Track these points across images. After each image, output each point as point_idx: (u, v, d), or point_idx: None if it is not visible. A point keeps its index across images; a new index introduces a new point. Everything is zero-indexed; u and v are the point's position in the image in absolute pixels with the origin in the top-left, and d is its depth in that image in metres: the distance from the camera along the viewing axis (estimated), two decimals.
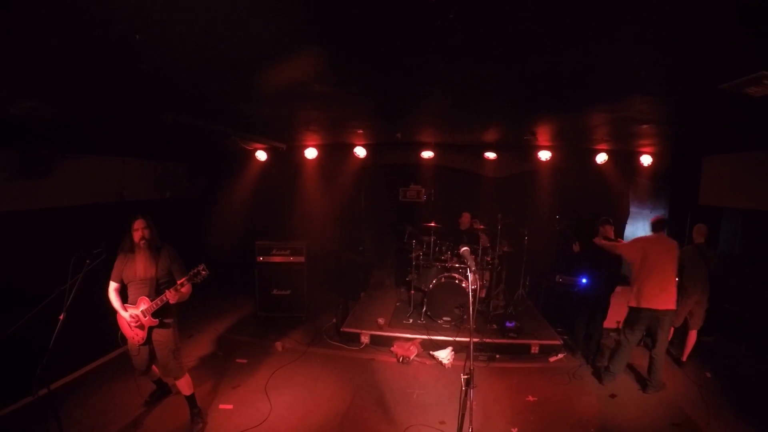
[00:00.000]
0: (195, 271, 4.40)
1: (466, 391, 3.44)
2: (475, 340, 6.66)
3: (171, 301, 4.41)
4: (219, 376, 6.05)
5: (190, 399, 4.89)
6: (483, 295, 7.91)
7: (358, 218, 9.53)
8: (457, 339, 6.77)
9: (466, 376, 3.44)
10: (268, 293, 8.03)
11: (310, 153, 8.32)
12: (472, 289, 3.54)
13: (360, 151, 8.15)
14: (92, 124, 5.28)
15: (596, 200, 8.26)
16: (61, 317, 3.39)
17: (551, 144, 7.52)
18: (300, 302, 8.08)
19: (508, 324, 7.12)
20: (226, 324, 7.84)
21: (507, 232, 7.96)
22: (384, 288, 9.36)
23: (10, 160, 5.05)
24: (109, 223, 4.98)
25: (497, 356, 6.61)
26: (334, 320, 7.80)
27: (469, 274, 3.60)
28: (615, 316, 7.14)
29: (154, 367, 4.93)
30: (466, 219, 8.24)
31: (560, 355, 6.70)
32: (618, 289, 6.91)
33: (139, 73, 3.21)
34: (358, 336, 7.17)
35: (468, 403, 3.46)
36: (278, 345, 6.99)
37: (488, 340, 6.62)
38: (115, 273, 4.52)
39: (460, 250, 3.67)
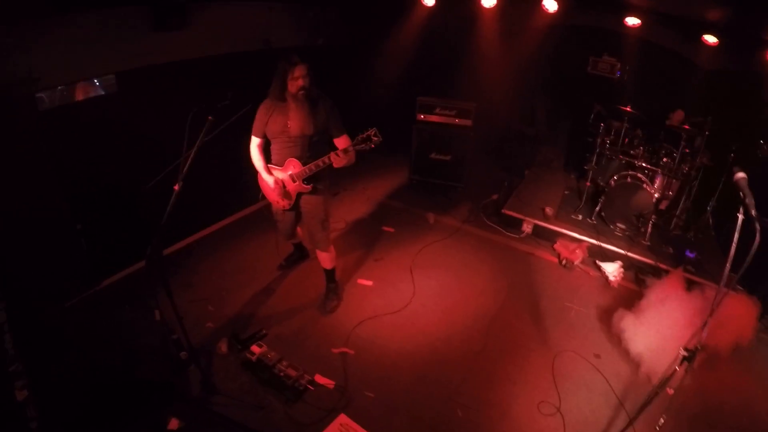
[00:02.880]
0: (365, 135, 3.74)
1: (679, 370, 2.62)
2: (646, 259, 5.82)
3: (335, 165, 3.83)
4: (361, 244, 5.89)
5: (330, 273, 4.68)
6: (663, 207, 6.69)
7: (534, 85, 8.24)
8: (630, 254, 5.87)
9: (685, 353, 2.59)
10: (425, 156, 7.49)
11: (489, 0, 6.88)
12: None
13: (550, 4, 6.55)
14: None
15: None
16: (176, 188, 3.00)
17: None
18: (460, 171, 7.47)
19: (688, 253, 5.86)
20: (375, 184, 7.61)
21: (712, 142, 6.23)
22: (551, 169, 8.33)
23: (141, 14, 4.55)
24: (254, 73, 4.40)
25: None
26: (495, 197, 7.23)
27: (747, 211, 2.46)
28: None
29: (298, 229, 4.70)
30: (679, 116, 6.62)
31: None
32: None
33: None
34: (519, 222, 6.52)
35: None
36: (430, 216, 6.65)
37: (663, 266, 5.61)
38: (257, 126, 3.96)
39: (735, 176, 2.45)
